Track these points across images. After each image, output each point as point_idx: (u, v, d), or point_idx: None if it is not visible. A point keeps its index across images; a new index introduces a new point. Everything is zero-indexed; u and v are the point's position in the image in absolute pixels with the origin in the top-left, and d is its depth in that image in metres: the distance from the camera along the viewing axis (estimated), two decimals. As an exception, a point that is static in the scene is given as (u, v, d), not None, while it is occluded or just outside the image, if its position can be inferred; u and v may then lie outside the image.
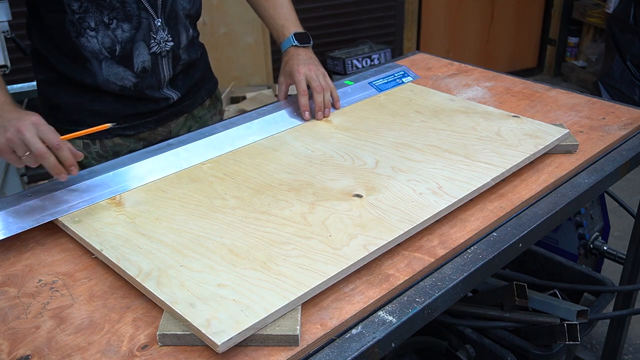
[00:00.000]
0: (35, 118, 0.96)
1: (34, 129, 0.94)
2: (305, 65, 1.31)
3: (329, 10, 3.46)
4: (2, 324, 0.81)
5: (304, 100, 1.30)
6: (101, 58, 1.19)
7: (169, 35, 1.24)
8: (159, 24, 1.21)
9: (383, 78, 1.49)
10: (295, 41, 1.34)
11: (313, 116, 1.31)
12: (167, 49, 1.25)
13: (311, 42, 1.36)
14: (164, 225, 0.96)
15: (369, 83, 1.46)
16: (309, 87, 1.31)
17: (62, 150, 0.96)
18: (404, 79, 1.51)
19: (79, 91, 1.24)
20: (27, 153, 0.95)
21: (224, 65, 3.32)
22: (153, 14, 1.20)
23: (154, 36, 1.22)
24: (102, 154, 1.29)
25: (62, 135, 0.98)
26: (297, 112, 1.32)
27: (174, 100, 1.33)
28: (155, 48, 1.23)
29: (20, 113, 0.97)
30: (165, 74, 1.28)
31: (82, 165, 1.26)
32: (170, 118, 1.35)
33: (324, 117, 1.31)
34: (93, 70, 1.20)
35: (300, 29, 1.37)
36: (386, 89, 1.46)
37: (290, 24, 1.36)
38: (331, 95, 1.34)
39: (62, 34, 1.17)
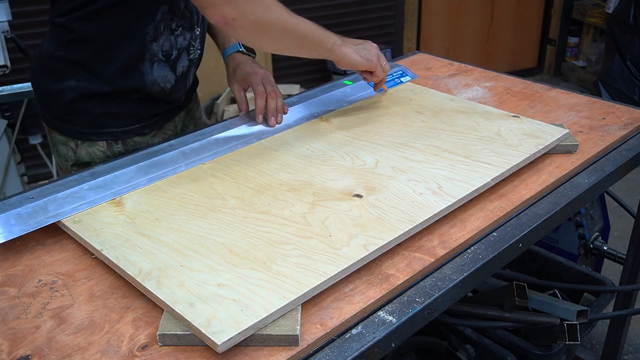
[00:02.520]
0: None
1: None
2: (261, 69, 1.30)
3: (329, 10, 3.46)
4: (2, 324, 0.81)
5: (261, 103, 1.27)
6: (155, 60, 1.21)
7: (199, 44, 1.29)
8: (197, 33, 1.26)
9: (383, 78, 1.49)
10: (242, 47, 1.34)
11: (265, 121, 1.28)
12: (196, 56, 1.30)
13: (256, 54, 1.37)
14: (164, 225, 0.96)
15: (368, 83, 1.46)
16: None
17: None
18: (402, 79, 1.51)
19: (107, 96, 1.22)
20: (385, 63, 1.24)
21: (224, 65, 3.31)
22: (196, 23, 1.25)
23: (194, 44, 1.27)
24: (123, 152, 1.29)
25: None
26: (298, 112, 1.32)
27: (182, 100, 1.36)
28: (192, 55, 1.28)
29: (359, 40, 1.25)
30: (190, 80, 1.33)
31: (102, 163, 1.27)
32: (175, 113, 1.37)
33: (277, 123, 1.28)
34: (143, 71, 1.21)
35: None
36: (386, 89, 1.46)
37: None
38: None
39: (136, 35, 1.16)
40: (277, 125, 1.27)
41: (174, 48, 1.22)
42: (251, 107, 1.30)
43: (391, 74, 1.51)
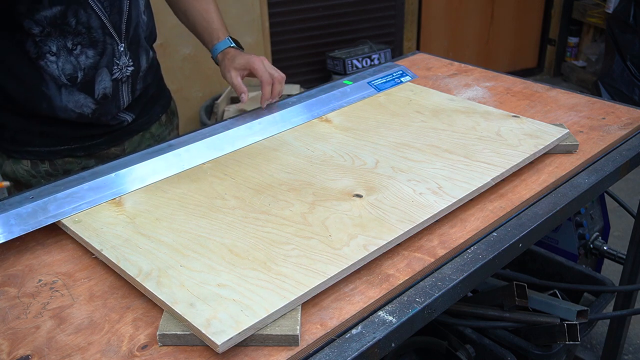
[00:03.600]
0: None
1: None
2: (257, 57, 1.28)
3: (329, 10, 3.46)
4: (2, 324, 0.81)
5: (268, 90, 1.27)
6: (60, 84, 1.15)
7: (130, 60, 1.23)
8: (122, 49, 1.20)
9: (382, 78, 1.49)
10: (232, 43, 1.33)
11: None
12: (127, 74, 1.24)
13: (243, 49, 1.36)
14: (164, 225, 0.96)
15: (367, 83, 1.46)
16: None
17: None
18: (402, 79, 1.51)
19: (28, 114, 1.18)
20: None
21: (224, 65, 3.31)
22: (117, 39, 1.19)
23: (117, 62, 1.20)
24: (51, 172, 1.25)
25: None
26: (298, 112, 1.32)
27: (128, 123, 1.31)
28: (117, 74, 1.21)
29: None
30: (125, 99, 1.26)
31: (29, 186, 1.21)
32: (123, 138, 1.32)
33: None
34: (50, 95, 1.15)
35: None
36: (385, 88, 1.46)
37: (225, 29, 1.35)
38: None
39: (20, 53, 1.11)
40: (276, 126, 1.27)
41: (77, 70, 1.15)
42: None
43: (391, 74, 1.51)
